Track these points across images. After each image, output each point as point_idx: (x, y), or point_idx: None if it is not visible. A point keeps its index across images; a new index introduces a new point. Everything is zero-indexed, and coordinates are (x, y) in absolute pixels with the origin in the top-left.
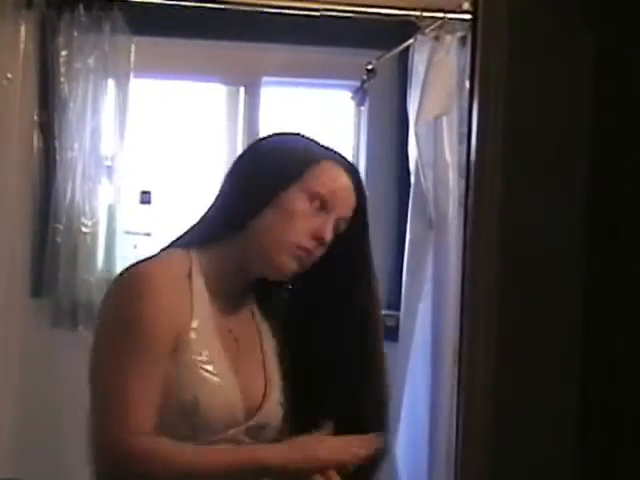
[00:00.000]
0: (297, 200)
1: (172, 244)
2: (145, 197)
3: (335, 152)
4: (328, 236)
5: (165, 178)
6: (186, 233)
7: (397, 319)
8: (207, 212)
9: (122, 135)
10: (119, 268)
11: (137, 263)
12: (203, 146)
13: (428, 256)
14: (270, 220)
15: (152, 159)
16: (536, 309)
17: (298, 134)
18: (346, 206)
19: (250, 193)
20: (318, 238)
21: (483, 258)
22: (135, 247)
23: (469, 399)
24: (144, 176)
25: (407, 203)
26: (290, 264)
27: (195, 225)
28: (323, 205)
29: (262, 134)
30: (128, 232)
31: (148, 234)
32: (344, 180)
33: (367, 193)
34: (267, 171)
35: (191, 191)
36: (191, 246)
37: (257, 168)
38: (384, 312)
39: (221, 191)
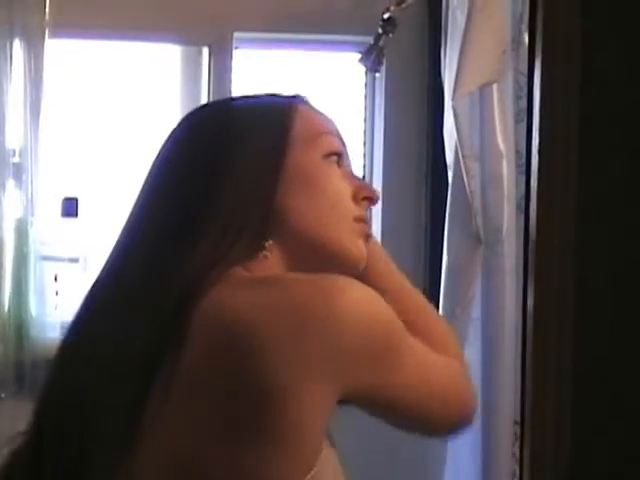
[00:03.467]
0: (316, 165)
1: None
2: (69, 207)
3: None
4: (373, 192)
5: (97, 180)
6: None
7: None
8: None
9: (36, 120)
10: (34, 310)
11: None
12: (150, 132)
13: (475, 285)
14: (303, 204)
15: (79, 153)
16: (623, 362)
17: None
18: (349, 160)
19: (254, 177)
20: (366, 198)
21: (554, 286)
22: (56, 279)
23: None
24: (67, 178)
25: (443, 210)
26: (360, 245)
27: (216, 242)
28: (341, 160)
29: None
30: (46, 257)
31: (74, 260)
32: (333, 123)
33: (382, 198)
34: (254, 139)
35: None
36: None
37: (240, 140)
38: None
39: (224, 195)
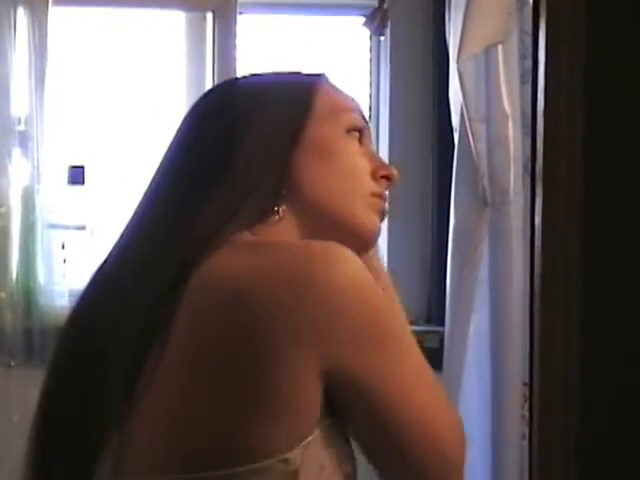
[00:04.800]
0: (338, 139)
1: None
2: (76, 175)
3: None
4: (392, 171)
5: (103, 148)
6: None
7: (441, 337)
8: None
9: (40, 88)
10: (42, 278)
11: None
12: (156, 99)
13: (482, 247)
14: (319, 175)
15: (84, 121)
16: (630, 318)
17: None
18: (371, 137)
19: (270, 142)
20: (384, 177)
21: (560, 248)
22: (63, 247)
23: (545, 455)
24: (73, 145)
25: (449, 173)
26: (375, 220)
27: (224, 206)
28: (362, 137)
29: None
30: (53, 225)
31: (81, 227)
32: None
33: (388, 162)
34: (275, 108)
35: (142, 163)
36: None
37: (262, 110)
38: (422, 328)
39: (235, 156)
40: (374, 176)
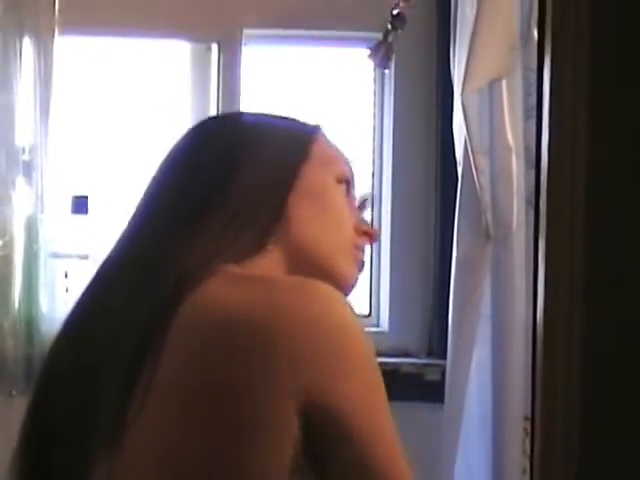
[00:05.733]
0: (331, 186)
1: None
2: (79, 205)
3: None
4: (372, 230)
5: (107, 178)
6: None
7: (442, 371)
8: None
9: (45, 117)
10: (44, 306)
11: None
12: (160, 130)
13: (484, 281)
14: (313, 221)
15: (88, 151)
16: (634, 355)
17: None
18: (355, 196)
19: (266, 182)
20: (365, 233)
21: (563, 284)
22: (66, 276)
23: None
24: (77, 175)
25: (452, 206)
26: (353, 271)
27: (215, 238)
28: (348, 191)
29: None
30: (56, 254)
31: (84, 257)
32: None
33: (392, 194)
34: (272, 149)
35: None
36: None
37: (257, 150)
38: (424, 361)
39: (228, 193)
40: (357, 230)
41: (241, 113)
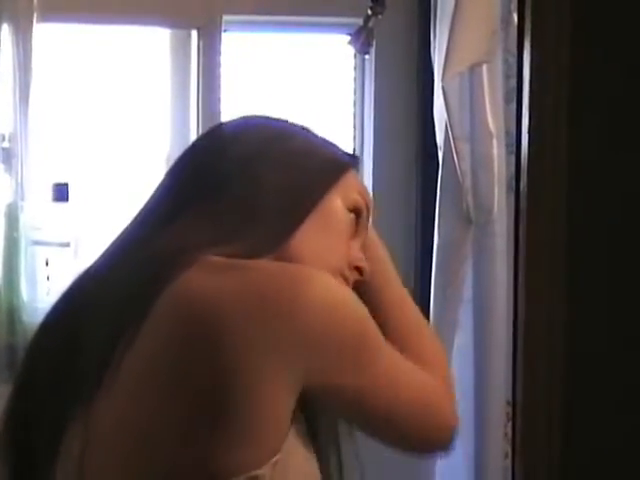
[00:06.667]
0: (339, 212)
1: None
2: (60, 192)
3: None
4: (366, 269)
5: (88, 165)
6: (202, 241)
7: None
8: (222, 220)
9: (25, 104)
10: (25, 294)
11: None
12: (140, 116)
13: (466, 266)
14: (309, 237)
15: (69, 138)
16: (615, 339)
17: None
18: (365, 232)
19: (291, 201)
20: (357, 269)
21: (544, 268)
22: (47, 263)
23: (527, 473)
24: (58, 162)
25: (434, 191)
26: None
27: (212, 232)
28: (357, 223)
29: (223, 97)
30: (37, 242)
31: (65, 244)
32: (370, 196)
33: (373, 180)
34: (309, 165)
35: (126, 181)
36: None
37: (292, 165)
38: None
39: (241, 187)
40: (350, 263)
41: (281, 121)
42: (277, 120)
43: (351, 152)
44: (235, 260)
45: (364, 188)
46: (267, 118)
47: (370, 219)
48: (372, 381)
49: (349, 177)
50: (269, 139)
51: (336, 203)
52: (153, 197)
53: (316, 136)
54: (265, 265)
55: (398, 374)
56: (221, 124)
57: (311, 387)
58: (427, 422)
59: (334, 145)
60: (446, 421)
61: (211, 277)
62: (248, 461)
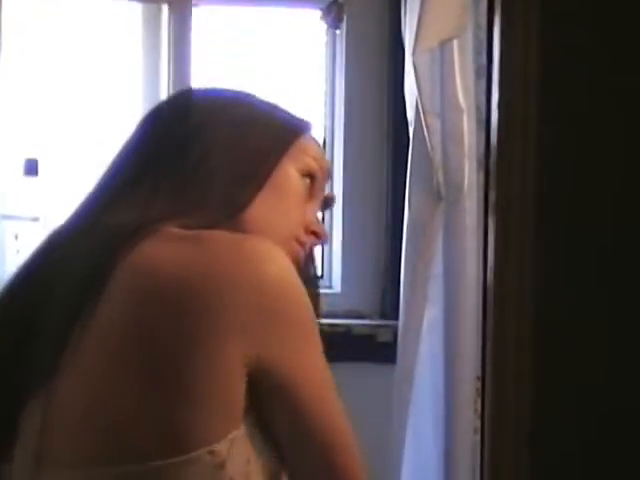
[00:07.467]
0: (292, 178)
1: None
2: (30, 167)
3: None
4: (322, 232)
5: (57, 141)
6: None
7: (394, 332)
8: (180, 191)
9: None
10: None
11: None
12: (111, 90)
13: (436, 241)
14: (264, 205)
15: (38, 113)
16: (584, 315)
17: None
18: (322, 196)
19: (246, 170)
20: (314, 233)
21: (513, 244)
22: (17, 237)
23: (497, 448)
24: (28, 137)
25: (404, 167)
26: None
27: (170, 204)
28: (312, 187)
29: (194, 71)
30: (6, 216)
31: (35, 219)
32: (326, 159)
33: (344, 155)
34: (260, 138)
35: (94, 158)
36: None
37: (245, 133)
38: (376, 322)
39: (196, 159)
40: (306, 227)
41: (234, 91)
42: (228, 90)
43: (302, 117)
44: (193, 231)
45: (319, 151)
46: (218, 88)
47: (327, 183)
48: (310, 367)
49: (301, 142)
50: (220, 108)
51: (289, 169)
52: (114, 164)
53: (267, 104)
54: (224, 236)
55: (328, 385)
56: (182, 92)
57: (259, 363)
58: (339, 451)
59: (285, 111)
60: (353, 468)
61: (171, 247)
62: (206, 435)
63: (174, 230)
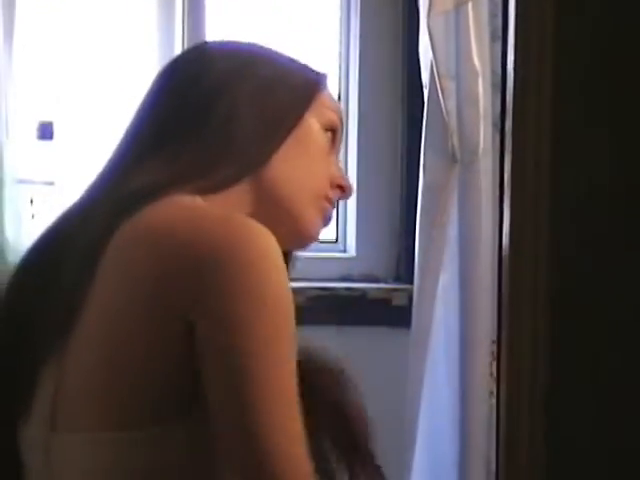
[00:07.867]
0: (315, 132)
1: (160, 190)
2: (45, 131)
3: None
4: (348, 185)
5: (73, 104)
6: (174, 177)
7: (409, 295)
8: (202, 150)
9: (9, 41)
10: (10, 233)
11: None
12: (126, 55)
13: (451, 204)
14: (287, 161)
15: (54, 77)
16: (599, 280)
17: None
18: (340, 148)
19: (269, 126)
20: (340, 187)
21: (529, 206)
22: (32, 202)
23: (513, 412)
24: (43, 101)
25: (419, 130)
26: (319, 222)
27: (185, 167)
28: (333, 140)
29: (209, 30)
30: (21, 181)
31: (50, 183)
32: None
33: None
34: (281, 90)
35: (110, 121)
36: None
37: (267, 89)
38: (391, 286)
39: (215, 120)
40: (332, 181)
41: (250, 44)
42: (243, 44)
43: (319, 70)
44: (197, 203)
45: (336, 104)
46: (233, 43)
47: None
48: (271, 361)
49: (321, 96)
50: (239, 65)
51: (313, 123)
52: (132, 126)
53: (285, 57)
54: (217, 214)
55: (289, 389)
56: (197, 47)
57: (206, 335)
58: (274, 455)
59: (303, 65)
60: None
61: (166, 210)
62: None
63: (181, 198)
